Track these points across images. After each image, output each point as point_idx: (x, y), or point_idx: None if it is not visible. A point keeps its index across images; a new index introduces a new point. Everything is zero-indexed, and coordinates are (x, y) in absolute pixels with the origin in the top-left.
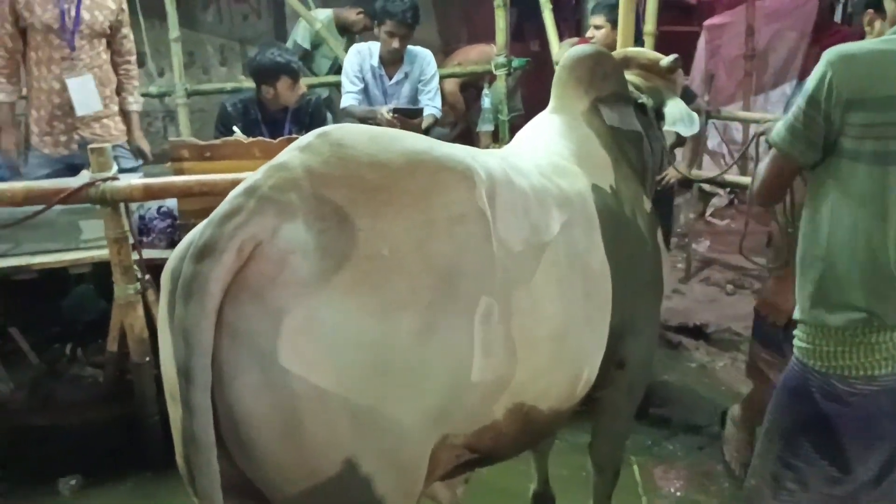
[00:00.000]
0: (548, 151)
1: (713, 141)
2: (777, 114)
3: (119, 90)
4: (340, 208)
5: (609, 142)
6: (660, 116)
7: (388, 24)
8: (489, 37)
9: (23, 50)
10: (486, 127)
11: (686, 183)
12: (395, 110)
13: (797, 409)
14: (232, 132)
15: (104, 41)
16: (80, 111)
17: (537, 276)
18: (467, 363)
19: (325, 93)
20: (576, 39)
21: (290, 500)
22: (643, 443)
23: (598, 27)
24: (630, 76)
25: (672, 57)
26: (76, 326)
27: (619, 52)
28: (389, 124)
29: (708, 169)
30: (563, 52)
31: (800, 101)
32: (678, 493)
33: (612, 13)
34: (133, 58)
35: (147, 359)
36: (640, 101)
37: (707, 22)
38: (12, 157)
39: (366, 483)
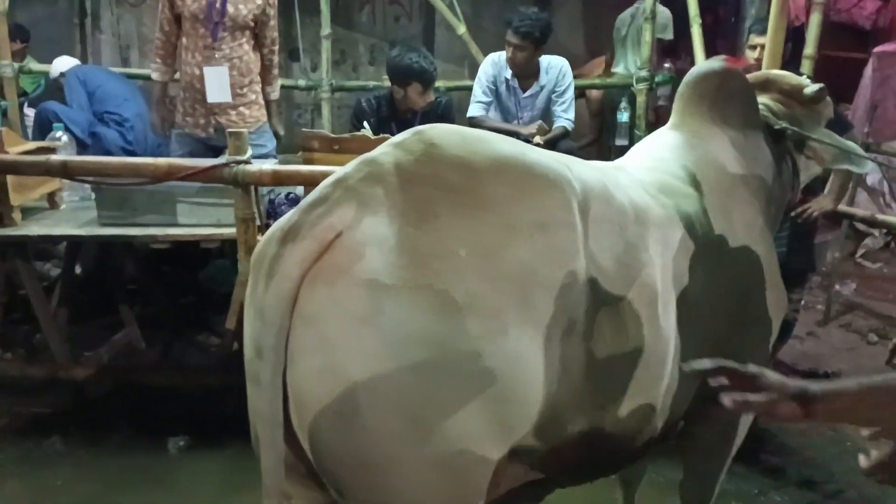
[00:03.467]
0: (659, 169)
1: (873, 177)
2: None
3: (262, 80)
4: (422, 206)
5: (729, 164)
6: (799, 146)
7: (508, 33)
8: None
9: (178, 35)
10: (620, 141)
11: (837, 220)
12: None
13: None
14: (363, 126)
15: (248, 33)
16: (210, 99)
17: (627, 297)
18: (537, 378)
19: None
20: (723, 57)
21: (345, 489)
22: (749, 491)
23: (756, 47)
24: (767, 100)
25: (817, 86)
26: (211, 297)
27: (760, 73)
28: (530, 137)
29: (864, 207)
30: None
31: None
32: None
33: None
34: (276, 48)
35: None
36: (776, 126)
37: (877, 49)
38: (158, 131)
39: (416, 483)
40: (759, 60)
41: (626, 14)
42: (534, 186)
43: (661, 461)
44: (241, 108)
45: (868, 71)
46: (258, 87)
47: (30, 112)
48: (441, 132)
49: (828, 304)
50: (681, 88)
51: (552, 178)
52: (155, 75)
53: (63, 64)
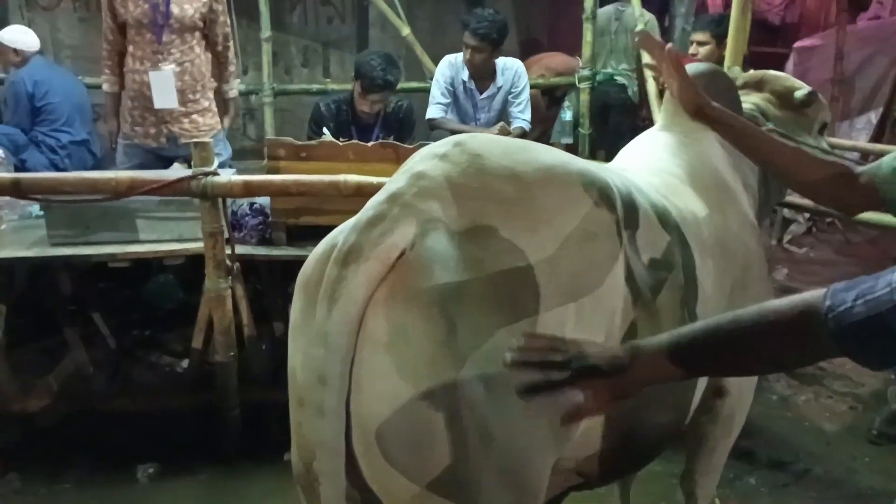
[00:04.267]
0: (659, 170)
1: None
2: (861, 141)
3: (216, 79)
4: (479, 220)
5: (720, 163)
6: None
7: (465, 34)
8: (570, 47)
9: (124, 43)
10: (563, 139)
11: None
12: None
13: None
14: (323, 132)
15: (197, 34)
16: (157, 104)
17: (659, 298)
18: None
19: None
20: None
21: None
22: (725, 475)
23: (701, 43)
24: (758, 99)
25: (806, 90)
26: (155, 314)
27: (756, 73)
28: None
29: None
30: None
31: None
32: None
33: (717, 29)
34: (230, 44)
35: (232, 353)
36: (765, 128)
37: (797, 44)
38: (107, 144)
39: (482, 496)
40: (693, 56)
41: (607, 13)
42: (581, 196)
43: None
44: (195, 116)
45: (790, 66)
46: (211, 94)
47: None
48: (482, 142)
49: None
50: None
51: (598, 186)
52: (105, 87)
53: (24, 43)
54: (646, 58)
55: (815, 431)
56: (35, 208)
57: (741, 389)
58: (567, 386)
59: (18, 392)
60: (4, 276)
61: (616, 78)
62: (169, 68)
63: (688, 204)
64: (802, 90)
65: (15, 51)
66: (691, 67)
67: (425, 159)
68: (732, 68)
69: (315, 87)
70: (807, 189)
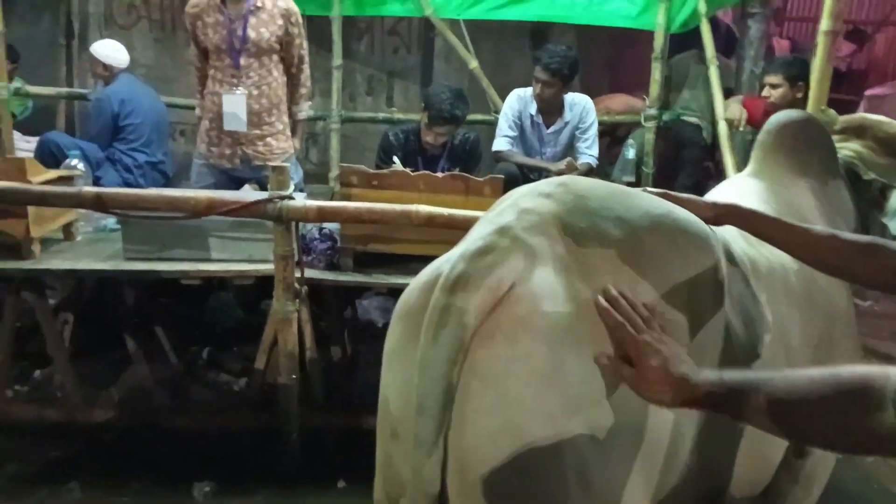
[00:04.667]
0: None
1: None
2: None
3: (290, 100)
4: (587, 259)
5: (811, 212)
6: (884, 197)
7: (536, 69)
8: (632, 87)
9: (207, 69)
10: (626, 178)
11: None
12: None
13: None
14: (392, 160)
15: (275, 57)
16: (226, 126)
17: (749, 350)
18: (687, 437)
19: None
20: (741, 97)
21: None
22: None
23: (774, 86)
24: (858, 146)
25: None
26: (214, 331)
27: (855, 117)
28: (559, 174)
29: None
30: (731, 109)
31: None
32: None
33: (789, 70)
34: (304, 66)
35: (294, 376)
36: (865, 177)
37: (868, 92)
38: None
39: None
40: (766, 99)
41: (685, 57)
42: (687, 245)
43: None
44: (269, 139)
45: (860, 113)
46: (286, 117)
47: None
48: (585, 185)
49: None
50: (760, 136)
51: (702, 236)
52: (197, 111)
53: (115, 59)
54: (718, 106)
55: (884, 492)
56: (110, 221)
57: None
58: (630, 348)
59: (82, 402)
60: (76, 286)
61: (689, 118)
62: (241, 92)
63: (776, 253)
64: None
65: (104, 65)
66: (782, 115)
67: (530, 196)
68: (828, 111)
69: (381, 115)
70: (854, 278)
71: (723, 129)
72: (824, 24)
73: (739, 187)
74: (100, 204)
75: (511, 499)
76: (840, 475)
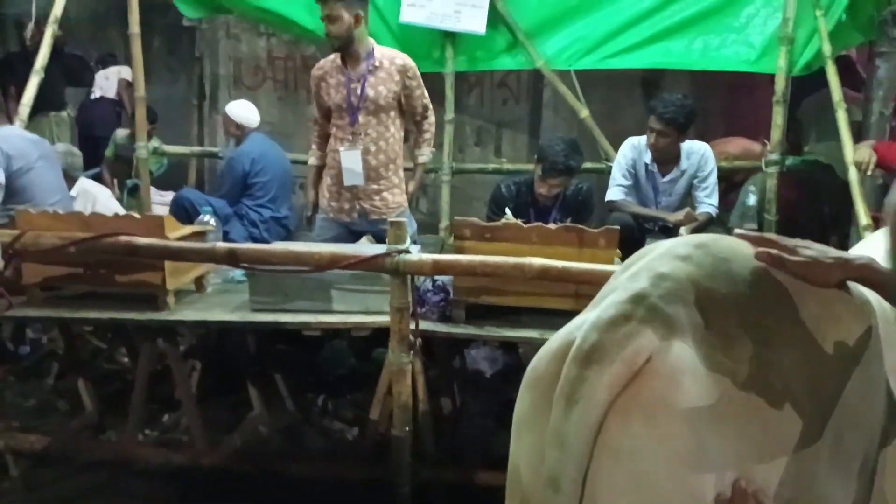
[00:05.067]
0: None
1: None
2: None
3: (414, 145)
4: (728, 329)
5: None
6: None
7: (651, 118)
8: (748, 131)
9: (328, 126)
10: (748, 225)
11: None
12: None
13: None
14: (503, 212)
15: (393, 113)
16: (346, 182)
17: None
18: None
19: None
20: (872, 142)
21: None
22: None
23: None
24: None
25: None
26: (328, 378)
27: None
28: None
29: None
30: (860, 153)
31: None
32: None
33: None
34: (428, 115)
35: (408, 428)
36: None
37: None
38: (304, 215)
39: None
40: None
41: (815, 100)
42: (843, 313)
43: None
44: (385, 194)
45: None
46: (402, 172)
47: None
48: (725, 245)
49: None
50: None
51: (860, 304)
52: (311, 160)
53: (247, 119)
54: (847, 150)
55: None
56: (237, 273)
57: None
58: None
59: (207, 447)
60: (204, 334)
61: (818, 159)
62: (357, 149)
63: None
64: None
65: (237, 125)
66: None
67: (667, 259)
68: None
69: (490, 166)
70: None
71: (853, 174)
72: None
73: (880, 242)
74: (232, 259)
75: None
76: None
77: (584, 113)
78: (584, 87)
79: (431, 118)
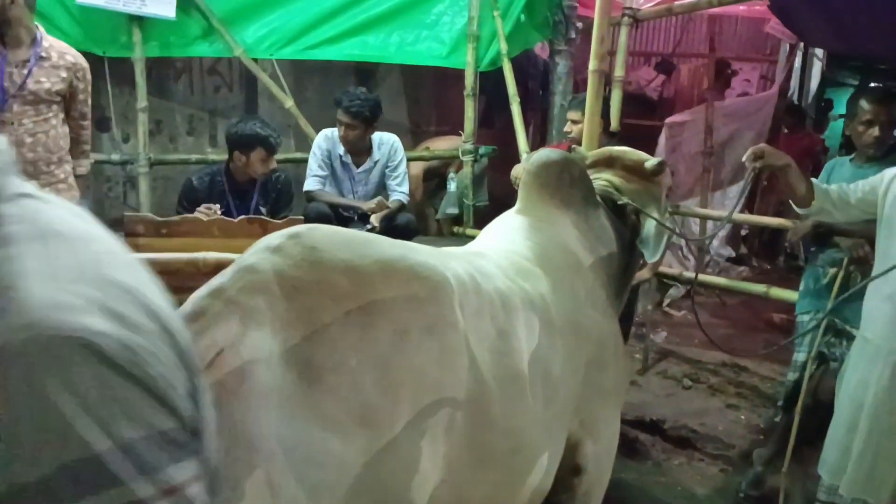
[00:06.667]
0: (510, 251)
1: None
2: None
3: (71, 154)
4: (309, 315)
5: (573, 244)
6: (640, 221)
7: (338, 112)
8: (459, 122)
9: None
10: (450, 210)
11: None
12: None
13: None
14: (195, 207)
15: (55, 107)
16: None
17: (503, 385)
18: (428, 481)
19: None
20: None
21: None
22: None
23: (575, 122)
24: (611, 176)
25: (656, 160)
26: None
27: (604, 150)
28: (371, 212)
29: (665, 260)
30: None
31: None
32: None
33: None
34: (86, 123)
35: None
36: (619, 202)
37: (668, 119)
38: None
39: None
40: (567, 133)
41: None
42: (420, 290)
43: None
44: (47, 189)
45: (662, 139)
46: (69, 167)
47: None
48: (319, 234)
49: (645, 353)
50: (525, 176)
51: (436, 279)
52: None
53: None
54: (521, 141)
55: (687, 496)
56: None
57: (599, 467)
58: None
59: None
60: None
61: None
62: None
63: (537, 286)
64: (652, 161)
65: None
66: (542, 155)
67: (258, 252)
68: (577, 149)
69: (195, 157)
70: None
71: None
72: (592, 63)
73: (505, 224)
74: None
75: None
76: (648, 483)
77: (289, 103)
78: (299, 76)
79: (88, 129)
